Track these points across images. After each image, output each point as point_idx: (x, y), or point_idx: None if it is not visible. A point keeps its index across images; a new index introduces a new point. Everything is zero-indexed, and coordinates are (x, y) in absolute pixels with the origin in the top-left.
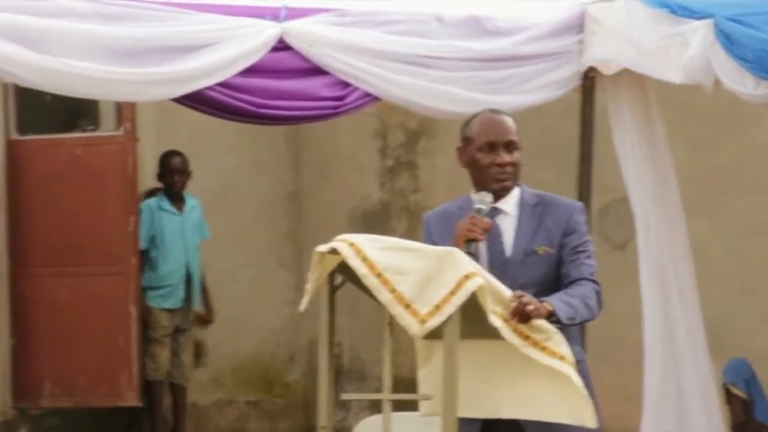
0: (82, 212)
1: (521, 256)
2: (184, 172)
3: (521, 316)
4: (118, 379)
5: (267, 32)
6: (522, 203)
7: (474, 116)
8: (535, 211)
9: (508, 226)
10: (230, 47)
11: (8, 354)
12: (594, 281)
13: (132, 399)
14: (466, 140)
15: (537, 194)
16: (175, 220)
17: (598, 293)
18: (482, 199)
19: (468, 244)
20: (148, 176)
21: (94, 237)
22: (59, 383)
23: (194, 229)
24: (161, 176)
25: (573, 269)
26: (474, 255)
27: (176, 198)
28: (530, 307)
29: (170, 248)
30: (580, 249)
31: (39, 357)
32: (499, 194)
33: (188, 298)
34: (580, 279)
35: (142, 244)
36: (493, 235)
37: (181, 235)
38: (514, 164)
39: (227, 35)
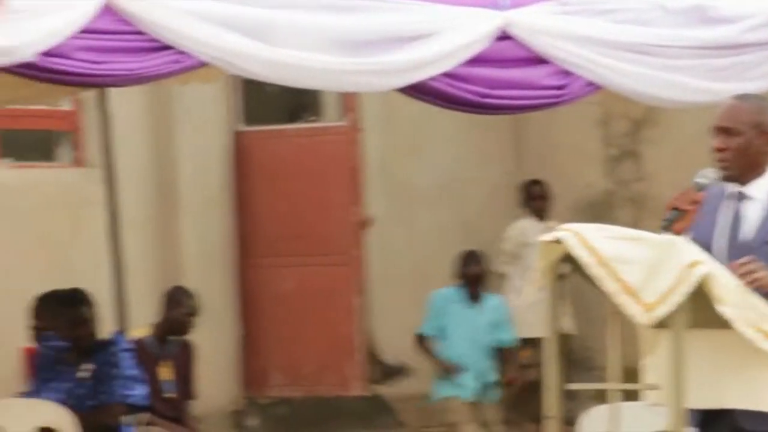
0: (306, 202)
1: (760, 243)
2: (480, 270)
3: (747, 279)
4: (344, 368)
5: (490, 22)
6: None
7: None
8: None
9: (753, 212)
10: (454, 37)
11: (238, 344)
12: None
13: (358, 388)
14: None
15: None
16: (466, 312)
17: None
18: (704, 174)
19: (671, 212)
20: (372, 166)
21: (318, 227)
22: (287, 372)
23: (490, 328)
24: (457, 275)
25: None
26: (669, 221)
27: (474, 293)
28: (757, 274)
29: (455, 340)
30: None
31: (266, 346)
32: (743, 179)
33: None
34: None
35: (426, 331)
36: (733, 219)
37: (470, 328)
38: (727, 150)
39: (450, 25)
